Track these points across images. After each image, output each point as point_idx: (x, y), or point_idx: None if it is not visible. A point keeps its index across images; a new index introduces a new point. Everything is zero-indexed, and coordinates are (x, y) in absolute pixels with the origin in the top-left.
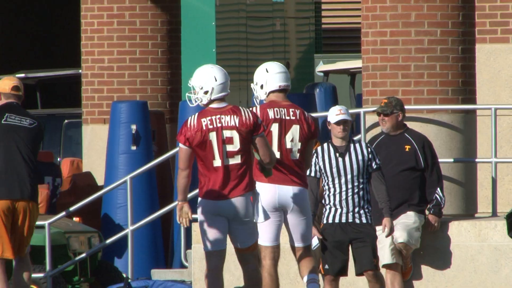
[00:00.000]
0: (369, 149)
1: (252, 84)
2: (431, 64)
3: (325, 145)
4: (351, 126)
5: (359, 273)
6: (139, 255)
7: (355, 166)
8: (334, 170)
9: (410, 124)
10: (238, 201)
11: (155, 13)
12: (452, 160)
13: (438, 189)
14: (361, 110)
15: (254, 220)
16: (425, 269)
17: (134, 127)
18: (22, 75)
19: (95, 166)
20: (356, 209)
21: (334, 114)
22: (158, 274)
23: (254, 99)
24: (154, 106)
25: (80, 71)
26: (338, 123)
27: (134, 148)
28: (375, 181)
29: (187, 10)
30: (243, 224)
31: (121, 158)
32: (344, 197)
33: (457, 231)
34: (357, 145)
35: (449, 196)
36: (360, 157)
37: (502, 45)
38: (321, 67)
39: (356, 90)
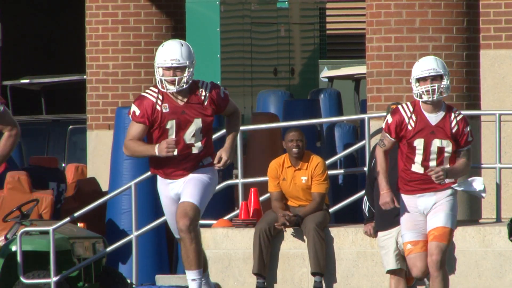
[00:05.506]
0: None
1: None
2: None
3: None
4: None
5: None
6: (143, 260)
7: None
8: None
9: None
10: None
11: (159, 19)
12: None
13: None
14: (366, 116)
15: None
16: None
17: None
18: (27, 81)
19: (100, 171)
20: None
21: None
22: (163, 280)
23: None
24: None
25: (84, 76)
26: None
27: None
28: None
29: (191, 16)
30: None
31: (125, 163)
32: None
33: (462, 237)
34: None
35: None
36: None
37: (506, 51)
38: (325, 72)
39: (361, 95)
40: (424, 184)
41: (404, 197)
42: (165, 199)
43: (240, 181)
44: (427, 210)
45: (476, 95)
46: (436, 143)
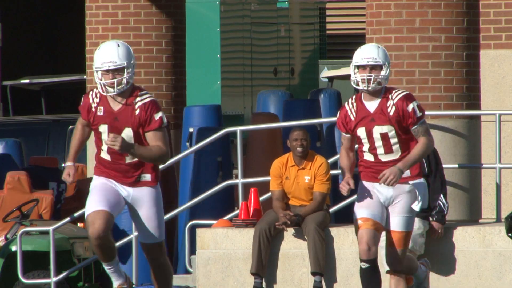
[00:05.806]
0: None
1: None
2: (436, 70)
3: None
4: None
5: None
6: (143, 260)
7: None
8: None
9: None
10: None
11: (159, 19)
12: (456, 165)
13: (441, 195)
14: None
15: None
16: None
17: None
18: (27, 80)
19: None
20: None
21: None
22: None
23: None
24: None
25: (84, 76)
26: None
27: None
28: None
29: (191, 16)
30: None
31: None
32: None
33: (462, 236)
34: None
35: (453, 201)
36: None
37: (506, 51)
38: (325, 72)
39: None
40: (377, 174)
41: (365, 183)
42: (101, 180)
43: (240, 181)
44: (387, 203)
45: (476, 95)
46: (377, 129)
